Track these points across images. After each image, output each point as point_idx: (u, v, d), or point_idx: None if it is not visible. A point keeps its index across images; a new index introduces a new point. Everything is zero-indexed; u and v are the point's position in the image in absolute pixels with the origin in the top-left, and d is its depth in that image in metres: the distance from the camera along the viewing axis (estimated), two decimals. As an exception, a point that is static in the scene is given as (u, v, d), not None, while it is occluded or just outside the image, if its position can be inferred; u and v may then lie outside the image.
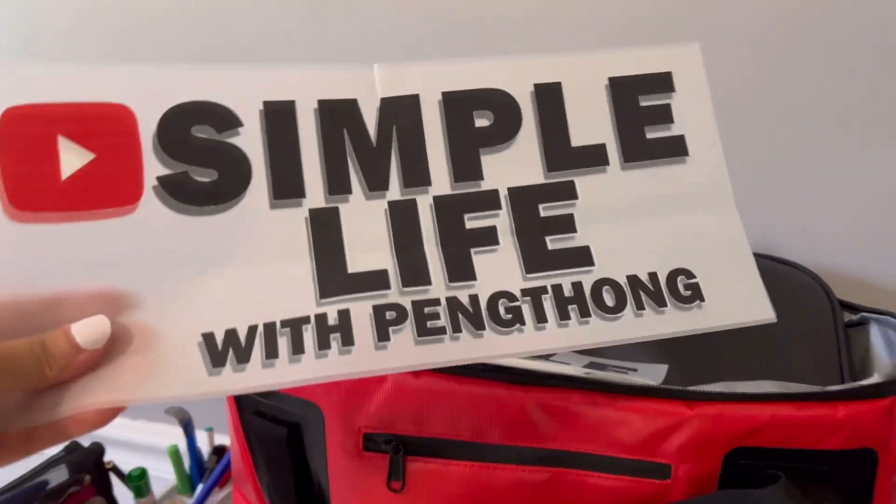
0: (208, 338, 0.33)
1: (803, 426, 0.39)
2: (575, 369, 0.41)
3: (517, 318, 0.35)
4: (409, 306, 0.34)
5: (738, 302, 0.37)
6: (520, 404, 0.41)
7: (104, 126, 0.33)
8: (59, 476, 0.63)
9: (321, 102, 0.36)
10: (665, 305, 0.36)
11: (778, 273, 0.56)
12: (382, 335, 0.34)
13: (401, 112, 0.36)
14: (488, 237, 0.36)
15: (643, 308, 0.36)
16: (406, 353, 0.34)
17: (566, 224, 0.36)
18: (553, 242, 0.36)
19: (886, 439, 0.40)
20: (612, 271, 0.36)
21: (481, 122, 0.37)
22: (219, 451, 0.75)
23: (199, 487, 0.71)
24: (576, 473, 0.42)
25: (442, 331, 0.34)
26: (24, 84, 0.32)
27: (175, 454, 0.73)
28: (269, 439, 0.46)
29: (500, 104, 0.37)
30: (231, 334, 0.33)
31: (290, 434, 0.45)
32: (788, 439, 0.39)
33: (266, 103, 0.35)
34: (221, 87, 0.35)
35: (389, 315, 0.34)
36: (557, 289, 0.36)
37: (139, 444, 0.82)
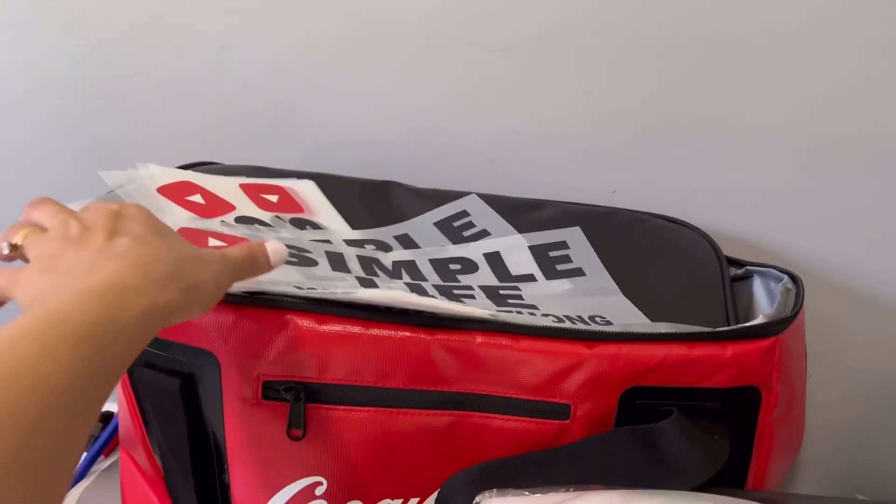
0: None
1: (694, 364, 0.41)
2: (481, 311, 0.41)
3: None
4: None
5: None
6: (424, 347, 0.41)
7: None
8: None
9: None
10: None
11: (670, 231, 0.58)
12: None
13: None
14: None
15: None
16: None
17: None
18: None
19: (769, 377, 0.42)
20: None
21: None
22: (104, 418, 0.71)
23: (83, 455, 0.67)
24: (479, 416, 0.42)
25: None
26: None
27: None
28: (161, 392, 0.44)
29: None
30: None
31: (183, 384, 0.43)
32: (680, 378, 0.41)
33: None
34: None
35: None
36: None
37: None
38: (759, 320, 0.42)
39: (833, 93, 0.57)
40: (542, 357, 0.41)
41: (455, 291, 0.46)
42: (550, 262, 0.51)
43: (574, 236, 0.53)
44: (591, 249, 0.52)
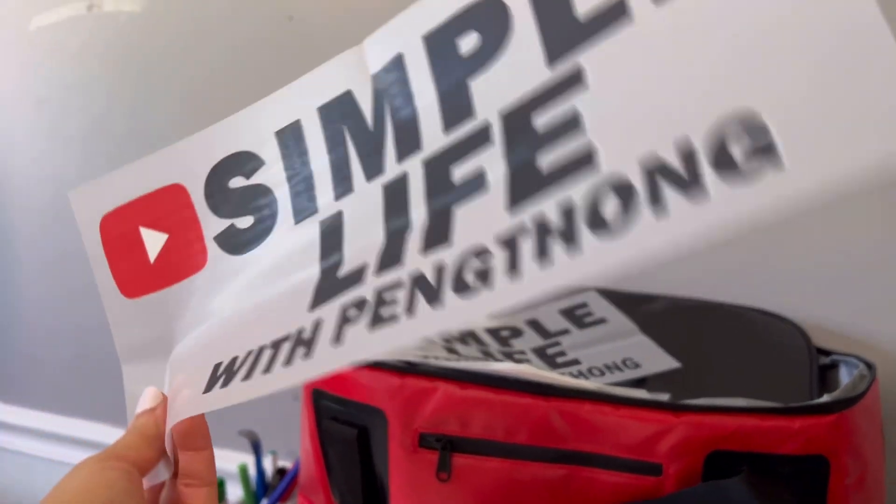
0: (216, 368, 0.36)
1: (766, 434, 0.49)
2: (588, 384, 0.52)
3: (485, 280, 0.28)
4: (371, 297, 0.32)
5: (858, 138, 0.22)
6: (542, 411, 0.52)
7: (168, 207, 0.39)
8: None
9: (320, 109, 0.37)
10: (706, 194, 0.23)
11: (766, 324, 0.67)
12: (337, 336, 0.32)
13: (390, 81, 0.35)
14: (476, 184, 0.31)
15: (664, 208, 0.24)
16: (362, 344, 0.30)
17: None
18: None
19: (836, 448, 0.50)
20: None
21: (468, 46, 0.33)
22: (281, 472, 0.86)
23: (264, 502, 0.82)
24: (587, 470, 0.52)
25: (395, 319, 0.30)
26: (108, 192, 0.39)
27: (244, 471, 0.85)
28: (343, 440, 0.58)
29: (484, 17, 0.32)
30: (232, 362, 0.35)
31: (359, 434, 0.57)
32: (755, 444, 0.49)
33: (277, 133, 0.38)
34: (238, 135, 0.38)
35: (350, 313, 0.32)
36: (540, 220, 0.28)
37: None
38: (824, 399, 0.50)
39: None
40: (638, 423, 0.51)
41: (515, 356, 0.54)
42: (578, 318, 0.60)
43: (590, 296, 0.63)
44: (606, 302, 0.59)
